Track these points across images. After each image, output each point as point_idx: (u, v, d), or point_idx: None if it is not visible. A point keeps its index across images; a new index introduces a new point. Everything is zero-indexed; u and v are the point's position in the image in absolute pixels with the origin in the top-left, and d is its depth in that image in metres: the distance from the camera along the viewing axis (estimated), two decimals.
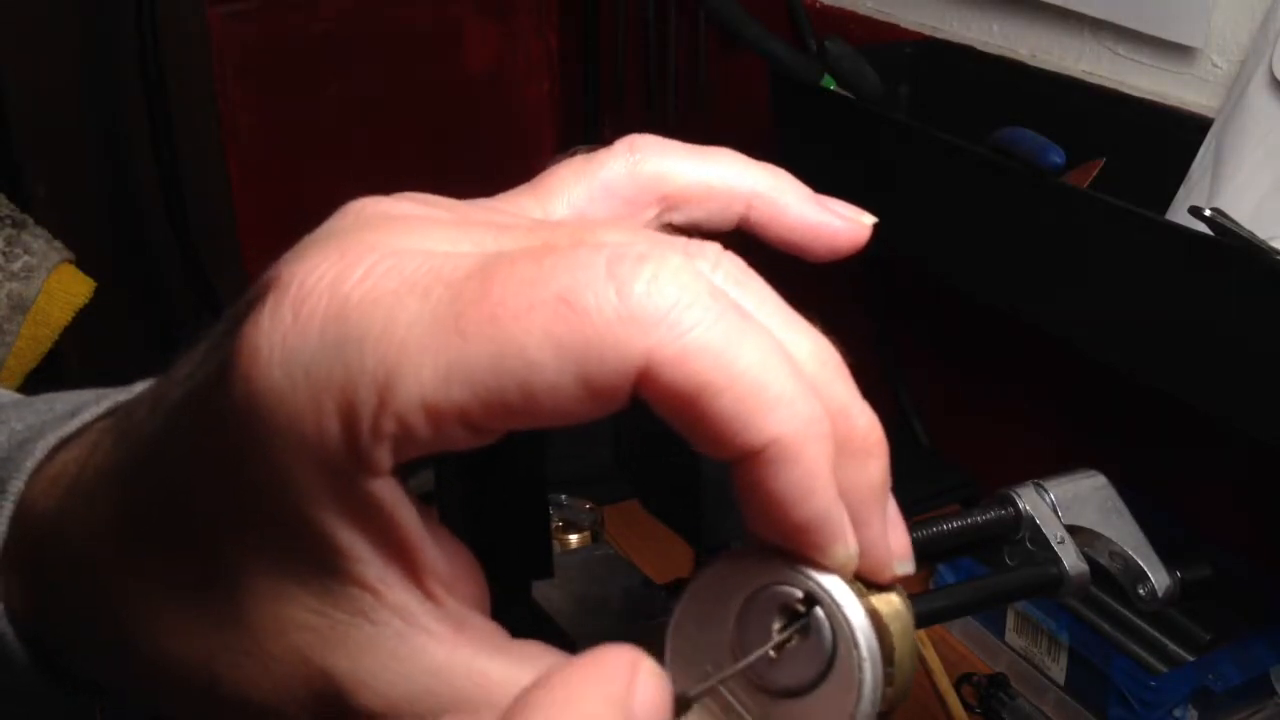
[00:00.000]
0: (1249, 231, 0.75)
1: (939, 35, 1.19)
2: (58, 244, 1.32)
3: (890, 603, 0.27)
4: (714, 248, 0.27)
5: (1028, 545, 0.43)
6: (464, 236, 0.26)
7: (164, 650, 0.28)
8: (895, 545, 0.27)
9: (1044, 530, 0.43)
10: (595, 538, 1.06)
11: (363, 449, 0.24)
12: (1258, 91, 0.88)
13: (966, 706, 0.94)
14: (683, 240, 0.26)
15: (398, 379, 0.24)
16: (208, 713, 0.28)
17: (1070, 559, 0.43)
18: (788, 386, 0.24)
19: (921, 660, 0.98)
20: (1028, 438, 1.14)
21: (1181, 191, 0.91)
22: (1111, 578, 0.46)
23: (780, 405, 0.24)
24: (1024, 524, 0.43)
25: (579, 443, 0.41)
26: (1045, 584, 0.43)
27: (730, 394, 0.24)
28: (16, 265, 1.27)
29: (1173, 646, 0.90)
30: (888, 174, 1.05)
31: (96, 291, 1.33)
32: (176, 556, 0.27)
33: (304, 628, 0.26)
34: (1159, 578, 0.45)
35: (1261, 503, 0.96)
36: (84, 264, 1.34)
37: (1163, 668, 0.88)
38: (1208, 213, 0.76)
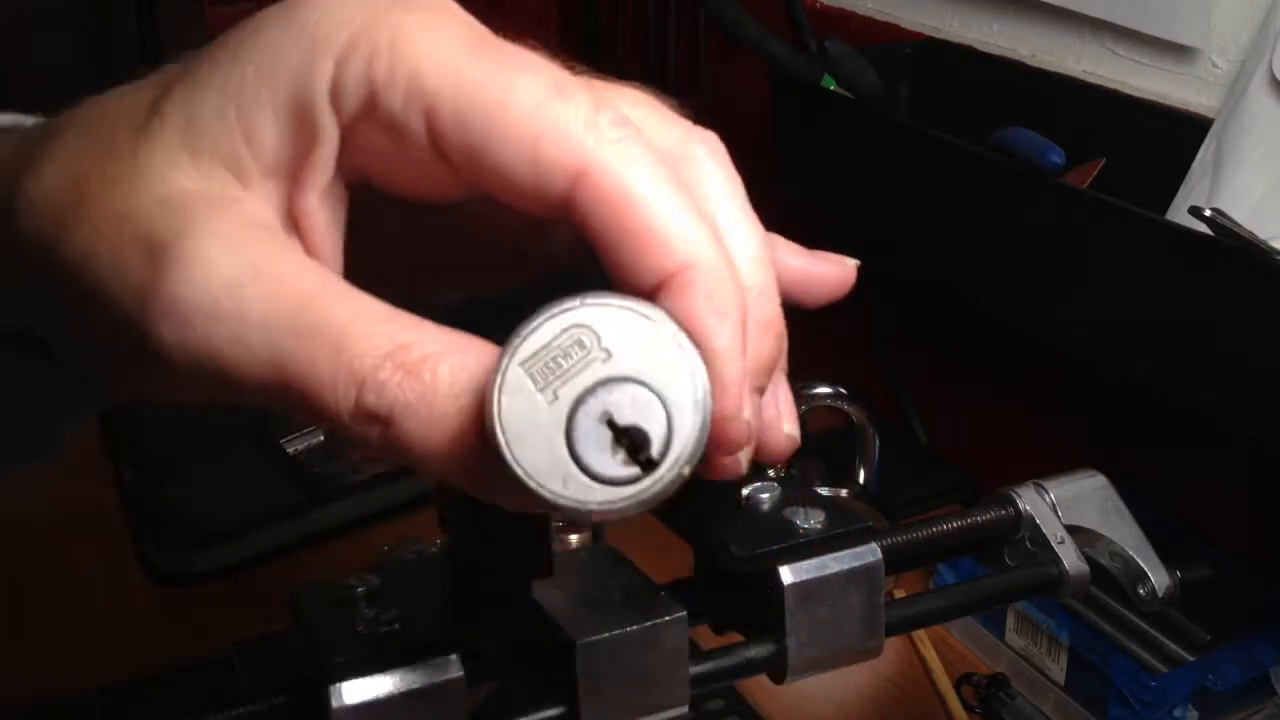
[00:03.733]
0: (1249, 231, 0.75)
1: (939, 35, 1.18)
2: None
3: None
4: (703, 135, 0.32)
5: (1028, 545, 0.43)
6: None
7: (44, 178, 0.29)
8: (785, 408, 0.31)
9: (1044, 530, 0.43)
10: (595, 538, 1.06)
11: (351, 75, 0.27)
12: (1258, 91, 0.88)
13: (966, 706, 0.94)
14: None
15: (407, 37, 0.27)
16: (53, 268, 0.28)
17: (1070, 559, 0.42)
18: (705, 235, 0.28)
19: (922, 660, 0.98)
20: (1028, 438, 1.14)
21: (1181, 191, 0.91)
22: (1111, 578, 0.46)
23: (700, 239, 0.27)
24: (1024, 524, 0.43)
25: None
26: (1045, 584, 0.43)
27: (661, 216, 0.27)
28: None
29: (1173, 646, 0.90)
30: (887, 174, 1.05)
31: None
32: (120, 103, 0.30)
33: (176, 189, 0.27)
34: (1159, 578, 0.45)
35: (1261, 503, 0.96)
36: None
37: (1163, 668, 0.88)
38: (1208, 213, 0.76)
